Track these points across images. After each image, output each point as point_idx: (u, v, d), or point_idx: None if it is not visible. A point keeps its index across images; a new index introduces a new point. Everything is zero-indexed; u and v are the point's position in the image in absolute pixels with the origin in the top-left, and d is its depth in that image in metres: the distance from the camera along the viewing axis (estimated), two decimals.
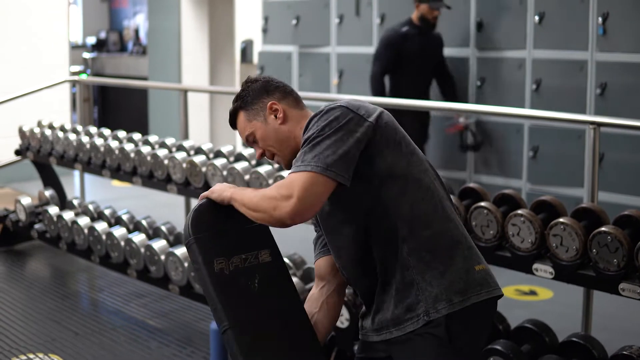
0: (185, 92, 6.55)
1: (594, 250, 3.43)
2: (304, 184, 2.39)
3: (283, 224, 2.44)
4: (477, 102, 7.04)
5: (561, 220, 3.54)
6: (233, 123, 2.77)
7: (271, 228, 2.68)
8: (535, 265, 3.66)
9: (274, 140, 2.67)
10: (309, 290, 4.42)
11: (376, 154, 2.48)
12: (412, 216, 2.50)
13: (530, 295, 5.82)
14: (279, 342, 2.68)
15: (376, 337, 2.63)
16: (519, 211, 3.68)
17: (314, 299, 2.84)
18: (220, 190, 2.64)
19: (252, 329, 2.64)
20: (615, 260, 3.38)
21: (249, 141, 2.73)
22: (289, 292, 2.79)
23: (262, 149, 2.71)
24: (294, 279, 4.49)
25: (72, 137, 6.59)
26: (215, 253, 2.63)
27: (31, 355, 4.84)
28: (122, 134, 6.42)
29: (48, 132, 6.93)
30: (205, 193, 2.68)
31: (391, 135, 2.52)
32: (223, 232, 2.68)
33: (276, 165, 4.96)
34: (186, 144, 5.74)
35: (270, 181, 4.77)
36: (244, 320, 2.62)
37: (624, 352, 3.60)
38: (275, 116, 2.67)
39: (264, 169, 4.86)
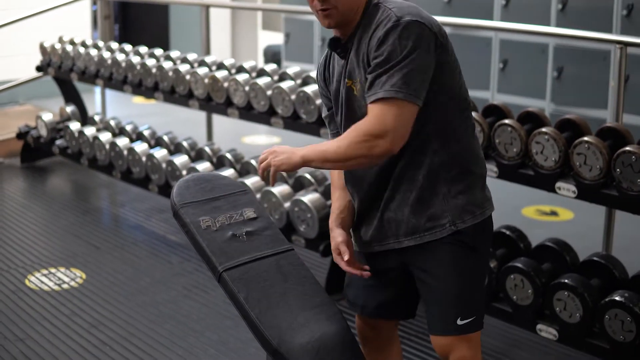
0: (207, 7, 6.49)
1: (618, 170, 3.40)
2: (395, 116, 2.37)
3: (383, 159, 2.47)
4: None
5: (585, 139, 3.50)
6: None
7: None
8: (558, 184, 3.64)
9: None
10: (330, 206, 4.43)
11: (438, 66, 2.45)
12: (445, 130, 2.52)
13: (551, 216, 5.80)
14: (274, 280, 2.76)
15: (378, 247, 2.66)
16: (543, 129, 3.63)
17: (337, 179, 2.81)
18: (285, 159, 2.51)
19: (246, 271, 2.74)
20: (639, 180, 3.34)
21: None
22: (279, 239, 2.91)
23: None
24: (316, 195, 4.49)
25: (94, 52, 6.56)
26: (200, 215, 2.86)
27: (53, 270, 4.89)
28: (143, 49, 6.38)
29: (69, 47, 6.90)
30: (275, 162, 2.52)
31: (450, 46, 2.51)
32: (206, 201, 2.92)
33: (298, 81, 4.90)
34: (208, 59, 5.70)
35: (293, 96, 4.72)
36: (236, 263, 2.75)
37: None
38: None
39: (286, 85, 4.82)
